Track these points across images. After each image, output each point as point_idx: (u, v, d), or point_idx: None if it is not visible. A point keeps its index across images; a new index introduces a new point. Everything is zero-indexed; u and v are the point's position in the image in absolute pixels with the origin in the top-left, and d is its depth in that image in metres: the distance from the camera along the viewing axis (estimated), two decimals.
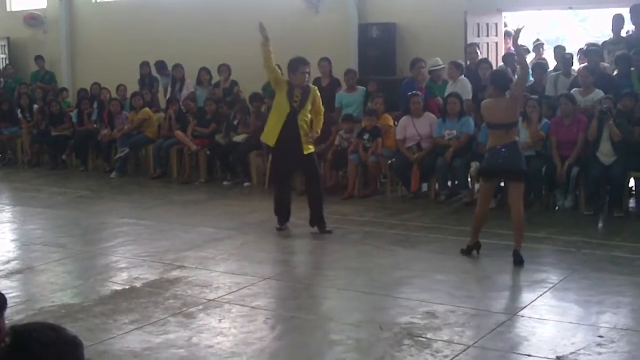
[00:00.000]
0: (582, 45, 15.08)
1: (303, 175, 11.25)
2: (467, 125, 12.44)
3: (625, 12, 13.29)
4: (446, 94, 13.03)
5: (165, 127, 15.85)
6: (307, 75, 10.67)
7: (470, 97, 12.98)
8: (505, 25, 16.02)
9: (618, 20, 13.39)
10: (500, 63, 14.71)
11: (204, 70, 16.44)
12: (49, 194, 14.25)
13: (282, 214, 10.82)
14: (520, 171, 8.97)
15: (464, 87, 13.06)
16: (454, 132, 12.51)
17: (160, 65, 17.34)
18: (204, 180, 14.95)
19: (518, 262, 8.79)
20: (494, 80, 9.30)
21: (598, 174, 11.37)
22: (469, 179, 12.27)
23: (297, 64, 10.55)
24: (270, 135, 10.62)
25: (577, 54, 14.20)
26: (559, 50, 14.15)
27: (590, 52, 13.08)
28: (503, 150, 8.87)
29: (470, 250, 9.28)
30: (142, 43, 18.76)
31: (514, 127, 9.07)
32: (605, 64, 13.13)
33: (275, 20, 17.08)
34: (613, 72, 12.80)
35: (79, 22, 20.59)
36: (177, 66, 16.78)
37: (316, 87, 11.05)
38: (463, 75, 13.24)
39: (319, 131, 10.86)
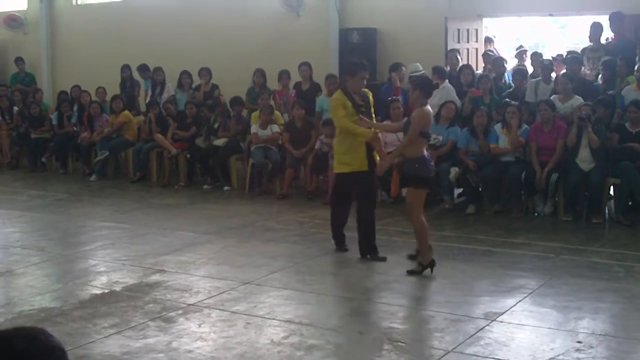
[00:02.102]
0: (559, 52, 15.15)
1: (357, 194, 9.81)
2: (454, 133, 12.47)
3: (604, 19, 13.38)
4: (433, 99, 13.03)
5: (146, 130, 15.82)
6: (365, 81, 9.62)
7: (458, 103, 13.01)
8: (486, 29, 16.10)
9: (596, 28, 13.47)
10: (479, 70, 14.78)
11: (185, 73, 16.41)
12: (28, 197, 14.19)
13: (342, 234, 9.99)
14: None
15: (450, 93, 13.11)
16: (440, 137, 12.55)
17: (143, 68, 17.29)
18: (184, 184, 14.92)
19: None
20: (421, 85, 9.03)
21: (577, 180, 11.43)
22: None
23: (357, 68, 9.54)
24: (357, 161, 9.40)
25: (553, 60, 14.22)
26: (537, 57, 14.22)
27: (570, 59, 13.17)
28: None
29: (426, 269, 8.79)
30: (123, 46, 18.73)
31: None
32: (586, 71, 13.22)
33: (256, 24, 17.19)
34: (593, 79, 12.89)
35: (59, 24, 20.53)
36: (158, 69, 16.75)
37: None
38: (447, 81, 13.31)
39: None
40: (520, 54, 15.18)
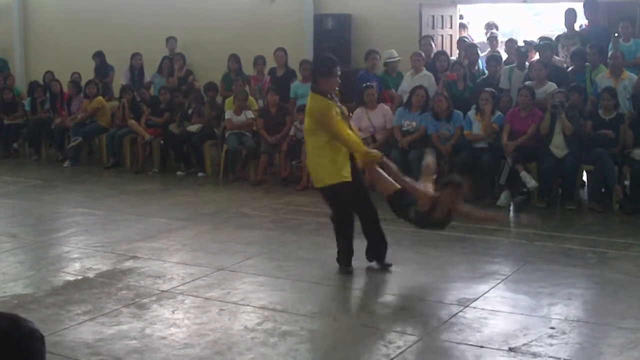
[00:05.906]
0: (531, 38, 15.17)
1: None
2: (427, 120, 12.47)
3: (579, 6, 13.42)
4: (412, 86, 12.99)
5: (119, 116, 15.73)
6: (338, 78, 8.33)
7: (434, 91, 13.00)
8: (461, 18, 16.10)
9: (570, 15, 13.52)
10: (454, 56, 14.79)
11: (167, 59, 16.35)
12: (1, 183, 14.05)
13: (351, 252, 8.52)
14: None
15: (429, 79, 13.15)
16: (414, 124, 12.57)
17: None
18: (157, 170, 14.87)
19: None
20: None
21: (550, 167, 11.47)
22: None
23: (329, 67, 8.26)
24: (344, 171, 8.15)
25: (526, 45, 14.19)
26: (511, 44, 14.22)
27: (542, 46, 13.22)
28: None
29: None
30: (98, 31, 18.55)
31: None
32: (559, 58, 13.25)
33: (231, 10, 17.10)
34: (568, 67, 12.91)
35: (32, 9, 20.28)
36: (136, 55, 16.65)
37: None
38: (425, 69, 13.35)
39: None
40: (491, 39, 15.15)
